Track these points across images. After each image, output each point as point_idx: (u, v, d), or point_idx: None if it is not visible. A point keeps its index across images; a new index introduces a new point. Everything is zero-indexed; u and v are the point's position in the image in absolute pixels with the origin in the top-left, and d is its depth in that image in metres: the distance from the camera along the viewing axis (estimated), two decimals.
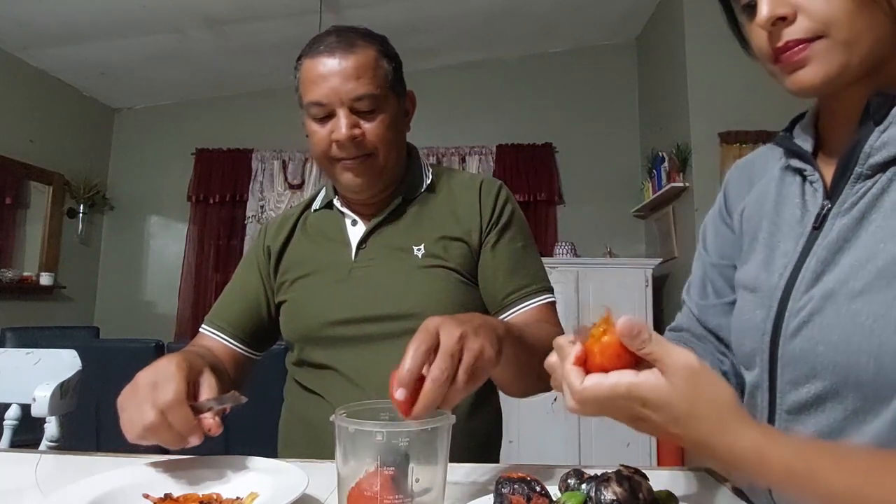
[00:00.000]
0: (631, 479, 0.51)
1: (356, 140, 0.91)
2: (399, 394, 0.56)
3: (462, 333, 0.60)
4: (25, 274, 3.92)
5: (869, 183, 0.57)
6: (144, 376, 0.68)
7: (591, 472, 0.57)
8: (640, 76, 4.32)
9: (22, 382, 1.21)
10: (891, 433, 0.51)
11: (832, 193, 0.60)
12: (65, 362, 1.25)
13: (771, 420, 0.62)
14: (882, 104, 0.56)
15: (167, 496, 0.64)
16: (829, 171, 0.61)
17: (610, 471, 0.54)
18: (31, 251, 4.05)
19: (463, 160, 4.33)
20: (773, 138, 0.70)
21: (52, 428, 1.17)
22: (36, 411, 1.14)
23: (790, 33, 0.54)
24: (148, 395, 0.65)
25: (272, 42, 3.77)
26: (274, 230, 1.08)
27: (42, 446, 1.17)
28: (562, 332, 0.89)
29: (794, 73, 0.56)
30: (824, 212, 0.60)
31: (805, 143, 0.65)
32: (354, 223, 1.02)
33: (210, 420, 0.66)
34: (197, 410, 0.66)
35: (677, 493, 0.56)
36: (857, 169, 0.57)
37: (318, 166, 4.28)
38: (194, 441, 0.65)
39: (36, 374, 1.22)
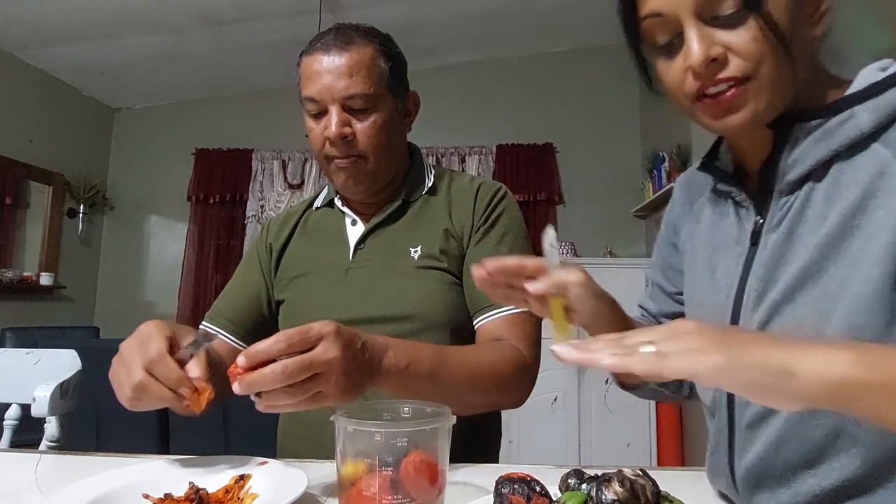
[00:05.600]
0: (633, 481, 0.51)
1: (346, 139, 0.90)
2: (240, 360, 0.58)
3: (332, 360, 0.61)
4: (25, 274, 3.92)
5: (791, 198, 0.58)
6: (127, 344, 0.68)
7: (591, 472, 0.57)
8: None
9: (22, 382, 1.21)
10: (838, 431, 0.53)
11: (760, 210, 0.62)
12: (65, 362, 1.25)
13: (731, 436, 0.63)
14: (785, 123, 0.57)
15: (167, 496, 0.64)
16: (753, 188, 0.63)
17: (612, 471, 0.54)
18: (31, 251, 4.05)
19: (463, 160, 4.32)
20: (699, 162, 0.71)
21: (52, 428, 1.17)
22: (36, 411, 1.14)
23: (724, 72, 0.54)
24: (133, 358, 0.66)
25: (272, 42, 3.76)
26: (276, 227, 1.08)
27: (42, 446, 1.16)
28: (526, 347, 0.89)
29: (724, 116, 0.55)
30: (757, 228, 0.62)
31: (727, 163, 0.67)
32: (354, 223, 1.02)
33: (194, 366, 0.66)
34: (181, 363, 0.66)
35: (677, 493, 0.56)
36: (778, 186, 0.59)
37: (318, 165, 4.28)
38: (185, 392, 0.65)
39: (36, 374, 1.22)
